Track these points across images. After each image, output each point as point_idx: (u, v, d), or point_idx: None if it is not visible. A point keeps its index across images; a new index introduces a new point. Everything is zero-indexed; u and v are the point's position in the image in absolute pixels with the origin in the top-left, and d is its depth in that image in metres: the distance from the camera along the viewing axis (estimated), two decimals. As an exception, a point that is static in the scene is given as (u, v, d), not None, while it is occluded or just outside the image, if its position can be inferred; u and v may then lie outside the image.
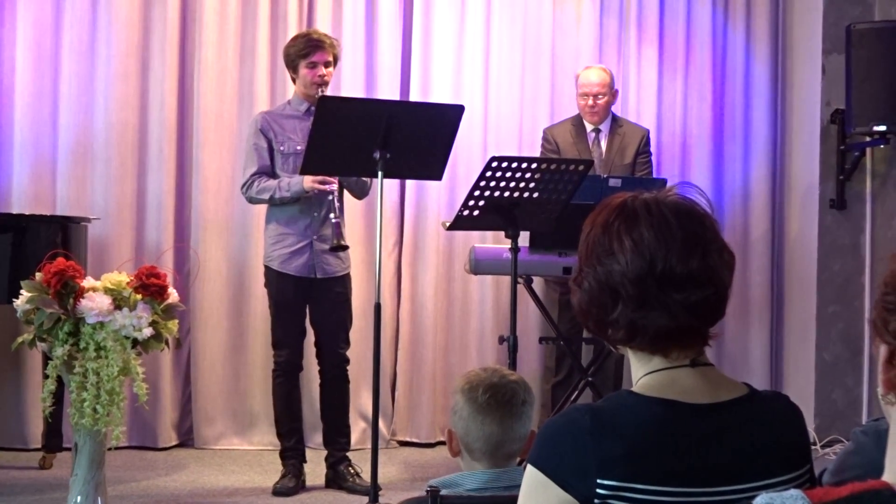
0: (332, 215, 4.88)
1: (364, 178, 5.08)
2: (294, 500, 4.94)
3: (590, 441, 1.60)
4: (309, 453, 5.28)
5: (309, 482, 5.15)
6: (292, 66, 5.10)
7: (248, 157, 5.12)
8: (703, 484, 1.62)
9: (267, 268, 5.15)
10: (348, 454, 5.19)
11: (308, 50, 5.03)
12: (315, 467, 5.22)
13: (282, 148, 5.07)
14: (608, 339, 1.74)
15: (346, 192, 5.14)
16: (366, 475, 4.86)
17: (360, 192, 5.20)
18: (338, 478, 5.13)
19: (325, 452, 5.22)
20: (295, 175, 4.97)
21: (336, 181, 4.93)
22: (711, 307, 1.69)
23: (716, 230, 1.72)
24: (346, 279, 5.18)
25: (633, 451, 1.60)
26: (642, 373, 1.71)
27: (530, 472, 1.65)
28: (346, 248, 4.96)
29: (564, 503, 1.61)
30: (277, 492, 5.00)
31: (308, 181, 4.90)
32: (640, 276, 1.66)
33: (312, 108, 4.97)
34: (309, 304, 5.14)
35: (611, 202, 1.74)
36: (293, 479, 5.06)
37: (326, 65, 5.06)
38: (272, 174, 5.07)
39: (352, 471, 5.13)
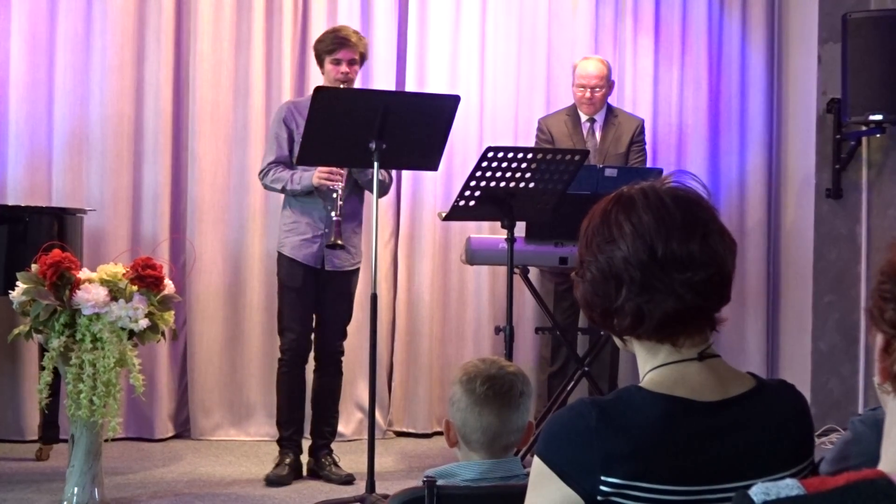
0: (333, 213, 4.86)
1: (383, 178, 4.98)
2: (287, 490, 4.94)
3: (595, 438, 1.59)
4: (305, 444, 5.28)
5: (305, 473, 5.16)
6: (319, 61, 5.15)
7: (269, 146, 5.19)
8: (708, 481, 1.61)
9: (279, 254, 5.19)
10: (341, 444, 5.20)
11: (333, 47, 5.05)
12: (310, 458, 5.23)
13: None
14: (614, 331, 1.72)
15: (362, 191, 5.14)
16: (360, 465, 4.86)
17: (380, 191, 5.01)
18: (317, 466, 5.17)
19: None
20: (311, 168, 4.96)
21: (343, 180, 4.91)
22: (716, 287, 1.69)
23: (714, 214, 1.72)
24: (353, 274, 5.20)
25: (639, 449, 1.58)
26: (650, 367, 1.70)
27: (537, 462, 1.64)
28: (340, 247, 4.92)
29: (567, 497, 1.60)
30: (270, 480, 5.01)
31: (317, 177, 4.91)
32: (642, 260, 1.64)
33: None
34: (315, 294, 5.15)
35: (607, 196, 1.74)
36: (286, 468, 5.08)
37: (351, 62, 5.05)
38: (289, 164, 5.08)
39: (330, 460, 5.15)
